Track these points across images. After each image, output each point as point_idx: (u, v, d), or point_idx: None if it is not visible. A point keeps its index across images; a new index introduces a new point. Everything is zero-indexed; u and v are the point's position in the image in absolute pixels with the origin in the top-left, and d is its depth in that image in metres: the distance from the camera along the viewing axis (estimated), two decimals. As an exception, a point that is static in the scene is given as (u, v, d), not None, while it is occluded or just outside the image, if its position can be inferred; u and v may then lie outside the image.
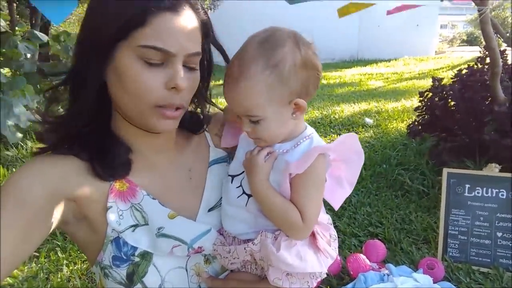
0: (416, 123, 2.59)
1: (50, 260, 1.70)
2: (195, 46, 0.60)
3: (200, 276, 0.70)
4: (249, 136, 0.66)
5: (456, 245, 1.54)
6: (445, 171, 1.59)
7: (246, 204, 0.67)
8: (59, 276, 1.59)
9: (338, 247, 1.61)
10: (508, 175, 1.51)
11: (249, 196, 0.66)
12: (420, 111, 2.55)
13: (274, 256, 0.62)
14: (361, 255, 1.49)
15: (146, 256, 0.63)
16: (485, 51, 2.61)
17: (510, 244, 1.47)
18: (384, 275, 1.42)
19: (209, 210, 0.71)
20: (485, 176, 1.54)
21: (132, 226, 0.64)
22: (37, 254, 1.75)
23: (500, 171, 1.57)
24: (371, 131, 3.48)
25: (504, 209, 1.49)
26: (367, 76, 7.55)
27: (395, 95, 5.18)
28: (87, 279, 1.63)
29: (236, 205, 0.68)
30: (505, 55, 2.54)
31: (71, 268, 1.67)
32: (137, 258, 0.63)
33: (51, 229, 0.59)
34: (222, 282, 0.70)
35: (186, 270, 0.68)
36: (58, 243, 1.81)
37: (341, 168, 0.69)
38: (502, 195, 1.50)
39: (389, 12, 2.20)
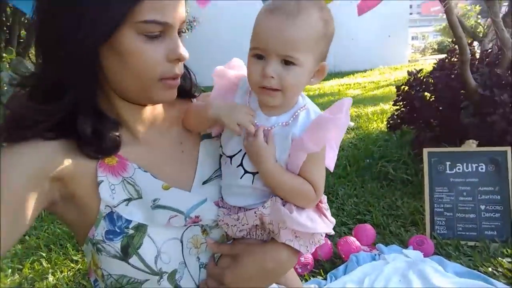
0: (395, 116, 2.66)
1: (34, 271, 1.64)
2: (183, 10, 0.61)
3: (198, 248, 0.69)
4: (266, 84, 0.61)
5: (443, 222, 1.56)
6: (425, 150, 1.64)
7: (252, 183, 0.67)
8: (44, 284, 1.53)
9: (328, 236, 1.62)
10: (485, 149, 1.56)
11: (253, 173, 0.67)
12: (398, 104, 2.63)
13: (289, 218, 0.64)
14: (351, 237, 1.50)
15: (140, 228, 0.62)
16: (453, 44, 2.73)
17: (494, 216, 1.51)
18: (375, 255, 1.43)
19: (204, 183, 0.71)
20: (464, 152, 1.59)
21: (125, 200, 0.63)
22: (20, 266, 1.68)
23: (477, 146, 1.62)
24: (353, 132, 3.55)
25: (485, 182, 1.54)
26: (345, 86, 7.74)
27: (373, 101, 5.31)
28: (74, 285, 1.58)
29: (241, 184, 0.68)
30: (473, 46, 2.66)
31: (57, 276, 1.62)
32: (131, 231, 0.62)
33: (39, 211, 0.59)
34: (229, 247, 0.70)
35: (181, 242, 0.67)
36: (43, 254, 1.75)
37: (332, 131, 0.72)
38: (482, 168, 1.55)
39: (360, 11, 2.29)
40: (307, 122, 0.66)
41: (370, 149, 2.73)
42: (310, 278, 1.37)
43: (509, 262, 1.35)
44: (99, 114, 0.64)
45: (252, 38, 0.62)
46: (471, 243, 1.49)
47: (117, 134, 0.64)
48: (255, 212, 0.66)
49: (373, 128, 3.57)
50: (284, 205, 0.66)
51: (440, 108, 2.40)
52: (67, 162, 0.60)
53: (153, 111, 0.70)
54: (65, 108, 0.60)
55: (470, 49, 2.47)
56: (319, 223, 0.68)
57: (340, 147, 0.72)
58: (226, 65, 0.73)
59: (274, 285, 0.82)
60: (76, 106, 0.61)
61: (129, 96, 0.64)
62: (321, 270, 1.40)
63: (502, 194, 1.51)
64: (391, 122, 2.70)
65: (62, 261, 1.71)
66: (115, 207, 0.62)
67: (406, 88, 2.60)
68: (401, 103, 2.62)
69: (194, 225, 0.68)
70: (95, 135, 0.62)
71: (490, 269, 1.32)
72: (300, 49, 0.59)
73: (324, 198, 0.74)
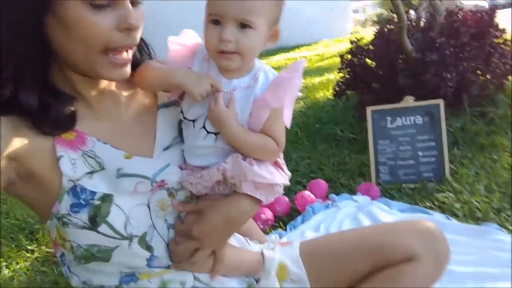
0: (340, 83, 2.80)
1: (-14, 267, 1.56)
2: None
3: (165, 210, 0.72)
4: (223, 48, 0.64)
5: (386, 169, 1.72)
6: (369, 109, 1.77)
7: (215, 141, 0.70)
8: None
9: (285, 194, 1.71)
10: (421, 103, 1.72)
11: (215, 134, 0.70)
12: (342, 72, 2.76)
13: (249, 170, 0.68)
14: (306, 191, 1.60)
15: (106, 198, 0.63)
16: (391, 13, 2.90)
17: (430, 160, 1.69)
18: (329, 204, 1.54)
19: (165, 150, 0.73)
20: (403, 108, 1.74)
21: (88, 173, 0.63)
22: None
23: (414, 101, 1.78)
24: (302, 102, 3.67)
25: (421, 132, 1.71)
26: (292, 59, 7.88)
27: (319, 72, 5.49)
28: (34, 273, 1.53)
29: (204, 145, 0.71)
30: (409, 14, 2.83)
31: (12, 268, 1.55)
32: (97, 202, 0.63)
33: None
34: (193, 205, 0.74)
35: (148, 207, 0.69)
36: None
37: (291, 88, 0.76)
38: (419, 121, 1.71)
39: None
40: (267, 82, 0.71)
41: (319, 115, 2.85)
42: (271, 231, 1.46)
43: (443, 197, 1.52)
44: (52, 88, 0.63)
45: (208, 4, 0.65)
46: (412, 185, 1.67)
47: (72, 109, 0.64)
48: (217, 168, 0.70)
49: (320, 97, 3.72)
50: (244, 160, 0.70)
51: (380, 72, 2.56)
52: (21, 140, 0.59)
53: (109, 84, 0.70)
54: (8, 81, 0.59)
55: (406, 17, 2.64)
56: (277, 175, 0.74)
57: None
58: (179, 35, 0.74)
59: (240, 237, 0.87)
60: (28, 83, 0.59)
61: (80, 70, 0.63)
62: (280, 223, 1.49)
63: (436, 141, 1.69)
64: (336, 89, 2.83)
65: (16, 253, 1.64)
66: (78, 180, 0.63)
67: (349, 56, 2.73)
68: (345, 70, 2.76)
69: (160, 189, 0.70)
70: (51, 108, 0.61)
71: (428, 204, 1.49)
72: (256, 13, 0.63)
73: (281, 155, 0.80)
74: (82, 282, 0.70)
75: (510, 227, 1.26)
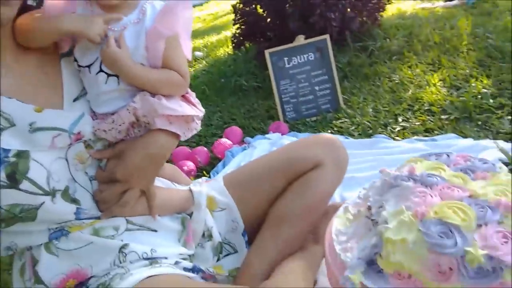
0: (237, 35, 2.84)
1: None
2: None
3: (85, 163, 0.70)
4: None
5: (291, 108, 1.87)
6: (266, 52, 1.86)
7: (119, 84, 0.69)
8: None
9: (204, 145, 1.75)
10: (311, 40, 1.87)
11: (117, 76, 0.69)
12: (238, 23, 2.80)
13: (159, 104, 0.69)
14: (223, 139, 1.66)
15: (22, 154, 0.61)
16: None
17: (326, 93, 1.88)
18: (245, 146, 1.64)
19: (74, 101, 0.70)
20: (296, 47, 1.87)
21: None
22: None
23: (305, 39, 1.92)
24: (203, 61, 3.65)
25: (315, 68, 1.87)
26: (186, 22, 7.62)
27: (215, 30, 5.45)
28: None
29: (107, 89, 0.69)
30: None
31: None
32: (12, 159, 0.60)
33: None
34: (111, 150, 0.73)
35: (67, 160, 0.68)
36: None
37: (181, 15, 0.75)
38: (311, 57, 1.87)
39: None
40: (155, 13, 0.71)
41: (222, 70, 2.89)
42: (196, 181, 1.51)
43: (341, 122, 1.73)
44: None
45: None
46: (314, 118, 1.85)
47: None
48: (127, 109, 0.70)
49: (221, 53, 3.74)
50: (153, 96, 0.71)
51: (271, 19, 2.66)
52: None
53: (4, 37, 0.64)
54: None
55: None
56: (187, 108, 0.76)
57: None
58: None
59: (167, 181, 0.89)
60: None
61: None
62: (204, 172, 1.55)
63: (328, 74, 1.87)
64: (234, 41, 2.88)
65: None
66: None
67: (241, 5, 2.77)
68: (240, 22, 2.80)
69: (77, 143, 0.69)
70: None
71: (329, 131, 1.68)
72: None
73: (193, 94, 0.83)
74: (5, 248, 0.67)
75: (394, 136, 1.51)
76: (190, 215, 0.86)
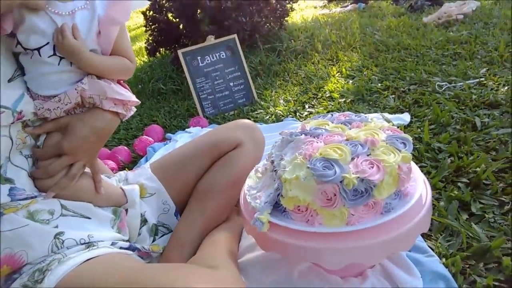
0: (150, 41, 2.86)
1: None
2: None
3: (25, 144, 0.70)
4: None
5: (209, 104, 1.95)
6: (179, 52, 1.92)
7: (71, 65, 0.71)
8: None
9: (124, 145, 1.73)
10: (221, 39, 1.98)
11: None
12: (150, 29, 2.82)
13: (109, 88, 0.72)
14: (143, 136, 1.68)
15: None
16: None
17: (240, 88, 2.00)
18: (167, 142, 1.67)
19: (9, 81, 0.69)
20: (208, 46, 1.96)
21: None
22: None
23: (215, 39, 2.03)
24: (119, 71, 3.58)
25: (228, 65, 1.98)
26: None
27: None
28: None
29: (57, 71, 0.70)
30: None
31: None
32: None
33: None
34: (52, 123, 0.73)
35: (11, 138, 0.67)
36: None
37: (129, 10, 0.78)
38: (223, 55, 1.98)
39: None
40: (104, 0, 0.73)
41: (139, 77, 2.87)
42: (118, 181, 1.50)
43: (256, 114, 1.86)
44: None
45: None
46: (232, 112, 1.96)
47: None
48: (76, 89, 0.72)
49: (137, 63, 3.70)
50: (100, 79, 0.74)
51: (183, 25, 2.74)
52: None
53: None
54: None
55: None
56: (130, 93, 0.81)
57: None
58: None
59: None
60: None
61: None
62: (126, 169, 1.54)
63: (240, 71, 2.00)
64: (148, 48, 2.89)
65: None
66: None
67: (151, 12, 2.80)
68: (152, 28, 2.82)
69: (17, 122, 0.68)
70: None
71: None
72: None
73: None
74: None
75: (300, 119, 1.68)
76: (126, 210, 0.88)
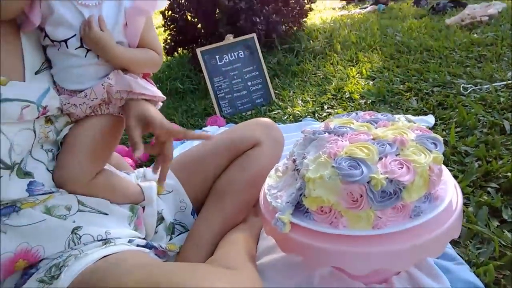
0: (168, 41, 2.87)
1: None
2: None
3: (48, 138, 0.70)
4: None
5: (227, 103, 1.94)
6: (198, 50, 1.91)
7: (98, 58, 0.70)
8: None
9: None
10: (239, 38, 1.96)
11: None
12: (168, 29, 2.83)
13: (135, 83, 0.71)
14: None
15: None
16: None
17: (258, 87, 1.98)
18: (184, 140, 1.66)
19: (36, 74, 0.69)
20: (226, 45, 1.95)
21: None
22: None
23: (234, 38, 2.02)
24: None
25: (246, 65, 1.97)
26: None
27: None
28: None
29: (84, 64, 0.69)
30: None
31: None
32: None
33: None
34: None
35: (34, 132, 0.67)
36: None
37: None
38: (241, 55, 1.96)
39: None
40: None
41: (156, 75, 2.88)
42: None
43: (274, 114, 1.84)
44: None
45: None
46: (249, 112, 1.94)
47: None
48: (102, 84, 0.71)
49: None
50: (126, 74, 0.73)
51: (202, 25, 2.74)
52: None
53: None
54: None
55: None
56: (156, 89, 0.80)
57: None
58: None
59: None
60: None
61: None
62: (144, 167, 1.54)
63: (258, 70, 1.98)
64: (167, 47, 2.90)
65: None
66: None
67: (170, 13, 2.81)
68: (170, 27, 2.83)
69: (41, 117, 0.68)
70: None
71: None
72: None
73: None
74: None
75: (319, 120, 1.64)
76: (144, 207, 0.87)
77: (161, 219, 0.90)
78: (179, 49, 2.91)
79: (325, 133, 0.76)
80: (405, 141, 0.68)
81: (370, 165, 0.63)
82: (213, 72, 1.92)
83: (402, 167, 0.63)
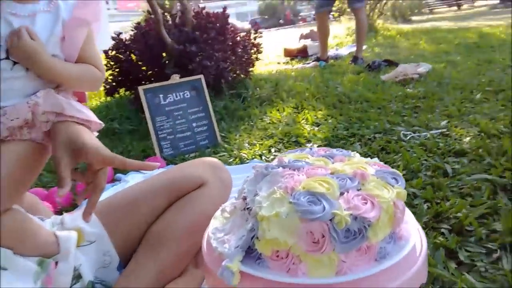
0: (109, 81, 2.73)
1: None
2: None
3: None
4: None
5: (168, 144, 1.81)
6: (140, 88, 1.81)
7: (27, 71, 0.63)
8: None
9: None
10: (186, 79, 1.90)
11: None
12: (110, 69, 2.70)
13: (67, 104, 0.63)
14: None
15: None
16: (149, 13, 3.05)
17: (203, 129, 1.89)
18: (116, 183, 1.49)
19: None
20: (172, 85, 1.87)
21: None
22: None
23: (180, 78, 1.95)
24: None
25: (192, 105, 1.89)
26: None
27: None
28: None
29: (9, 77, 0.62)
30: (165, 15, 3.04)
31: None
32: None
33: None
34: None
35: None
36: None
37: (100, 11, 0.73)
38: (187, 95, 1.89)
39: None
40: (71, 3, 0.67)
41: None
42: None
43: (220, 156, 1.75)
44: None
45: None
46: (192, 154, 1.82)
47: None
48: (27, 102, 0.61)
49: (93, 103, 3.51)
50: (58, 94, 0.65)
51: (146, 67, 2.66)
52: None
53: None
54: None
55: (162, 15, 2.84)
56: (93, 114, 0.72)
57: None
58: None
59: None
60: None
61: None
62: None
63: (205, 111, 1.91)
64: (107, 87, 2.75)
65: None
66: None
67: (113, 52, 2.70)
68: (112, 67, 2.71)
69: None
70: None
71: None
72: None
73: None
74: None
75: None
76: (56, 263, 0.70)
77: (77, 277, 0.73)
78: (120, 90, 2.77)
79: (278, 167, 0.68)
80: (366, 175, 0.62)
81: (332, 201, 0.56)
82: (156, 112, 1.81)
83: (366, 203, 0.56)
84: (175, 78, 1.86)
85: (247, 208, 0.65)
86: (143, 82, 2.67)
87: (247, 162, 1.59)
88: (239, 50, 2.82)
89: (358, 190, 0.60)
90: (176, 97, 1.85)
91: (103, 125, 0.77)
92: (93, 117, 0.71)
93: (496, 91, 2.16)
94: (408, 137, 1.62)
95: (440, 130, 1.65)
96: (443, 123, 1.74)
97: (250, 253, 0.59)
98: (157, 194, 0.84)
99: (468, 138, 1.51)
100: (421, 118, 1.85)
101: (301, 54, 5.10)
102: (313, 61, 4.22)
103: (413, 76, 2.69)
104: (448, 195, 1.07)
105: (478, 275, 0.76)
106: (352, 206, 0.55)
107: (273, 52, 5.71)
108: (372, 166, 0.68)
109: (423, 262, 0.59)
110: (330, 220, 0.54)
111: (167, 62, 2.54)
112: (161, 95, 1.83)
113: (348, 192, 0.58)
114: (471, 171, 1.19)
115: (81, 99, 0.76)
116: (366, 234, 0.54)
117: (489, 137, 1.46)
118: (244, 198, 0.67)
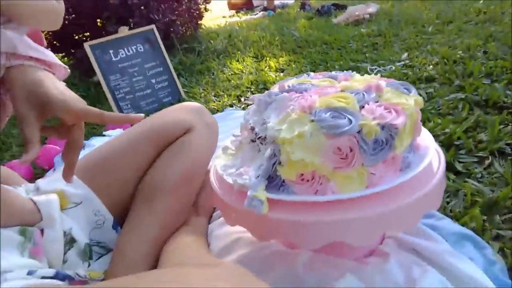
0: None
1: None
2: None
3: None
4: None
5: (128, 104, 1.67)
6: (86, 45, 1.62)
7: None
8: None
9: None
10: (136, 30, 1.73)
11: None
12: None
13: (22, 42, 0.54)
14: (48, 145, 1.33)
15: None
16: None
17: (164, 85, 1.76)
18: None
19: None
20: (121, 38, 1.69)
21: None
22: None
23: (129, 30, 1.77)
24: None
25: (147, 60, 1.74)
26: None
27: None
28: None
29: None
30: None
31: None
32: None
33: None
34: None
35: None
36: None
37: None
38: (140, 48, 1.72)
39: None
40: None
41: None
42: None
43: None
44: None
45: None
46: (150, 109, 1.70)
47: None
48: None
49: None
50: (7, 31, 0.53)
51: (85, 24, 2.39)
52: None
53: None
54: None
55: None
56: (51, 54, 0.60)
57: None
58: None
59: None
60: None
61: None
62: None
63: (163, 66, 1.77)
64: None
65: None
66: None
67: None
68: (43, 33, 2.40)
69: None
70: None
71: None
72: None
73: None
74: None
75: (242, 109, 1.52)
76: (42, 231, 0.61)
77: (70, 241, 0.65)
78: (57, 56, 2.48)
79: (282, 93, 0.63)
80: (381, 86, 0.59)
81: (356, 113, 0.52)
82: (108, 70, 1.64)
83: (390, 112, 0.53)
84: (124, 31, 1.68)
85: (258, 138, 0.60)
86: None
87: (223, 111, 1.52)
88: (186, 0, 2.62)
89: (376, 102, 0.57)
90: (129, 51, 1.68)
91: (69, 71, 0.65)
92: (54, 58, 0.59)
93: (445, 23, 2.24)
94: (375, 71, 1.63)
95: (403, 62, 1.68)
96: (404, 55, 1.77)
97: (271, 182, 0.55)
98: (142, 144, 0.76)
99: (431, 66, 1.55)
100: (383, 53, 1.87)
101: (246, 6, 4.91)
102: (260, 11, 4.08)
103: (364, 16, 2.70)
104: (429, 116, 1.10)
105: (476, 181, 0.79)
106: (378, 116, 0.52)
107: (215, 6, 5.44)
108: (379, 81, 0.65)
109: (444, 167, 0.58)
110: (358, 132, 0.50)
111: (107, 19, 2.29)
112: (111, 51, 1.65)
113: (368, 104, 0.55)
114: (444, 94, 1.23)
115: (37, 36, 0.64)
116: (393, 143, 0.52)
117: (453, 63, 1.51)
118: (252, 129, 0.62)
